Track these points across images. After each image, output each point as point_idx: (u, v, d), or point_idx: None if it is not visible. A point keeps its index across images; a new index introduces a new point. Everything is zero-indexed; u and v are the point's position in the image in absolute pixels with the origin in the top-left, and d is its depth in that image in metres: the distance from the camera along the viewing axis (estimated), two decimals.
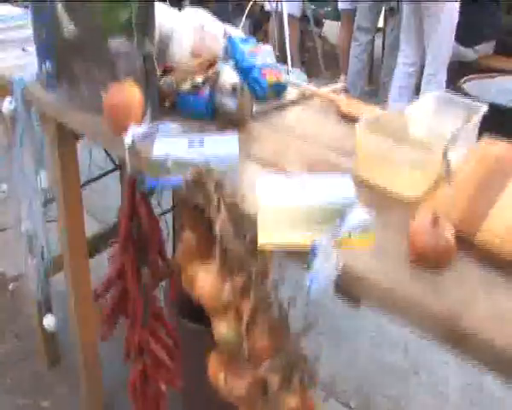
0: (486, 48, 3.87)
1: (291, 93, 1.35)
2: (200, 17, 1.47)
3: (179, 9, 1.57)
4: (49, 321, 1.74)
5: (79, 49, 1.22)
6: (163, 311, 1.30)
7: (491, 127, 2.39)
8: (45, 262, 1.62)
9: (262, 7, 4.92)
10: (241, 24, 3.56)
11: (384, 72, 4.29)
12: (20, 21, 1.88)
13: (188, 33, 1.44)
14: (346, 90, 1.58)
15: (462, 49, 3.74)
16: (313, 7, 4.70)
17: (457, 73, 3.63)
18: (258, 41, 1.43)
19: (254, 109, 1.23)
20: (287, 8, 4.57)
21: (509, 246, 0.79)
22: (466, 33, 3.59)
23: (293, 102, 1.32)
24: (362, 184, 0.95)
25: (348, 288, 0.79)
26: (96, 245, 1.90)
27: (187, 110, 1.21)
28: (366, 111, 1.26)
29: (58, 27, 1.22)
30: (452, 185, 0.94)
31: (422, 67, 3.60)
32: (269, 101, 1.30)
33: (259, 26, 5.07)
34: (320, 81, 3.88)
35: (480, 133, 1.05)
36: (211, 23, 1.46)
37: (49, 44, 1.31)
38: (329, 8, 4.84)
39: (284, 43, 4.86)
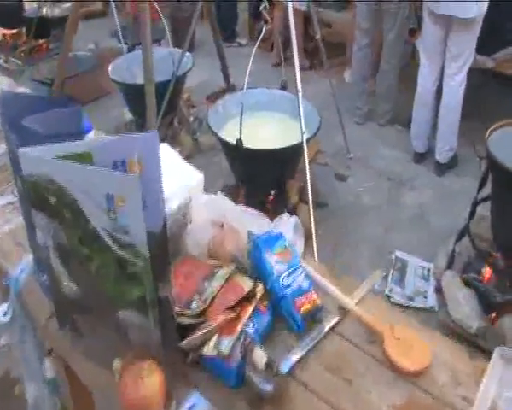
0: (505, 52, 3.56)
1: (330, 314, 1.14)
2: (221, 206, 1.24)
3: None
4: None
5: (82, 308, 1.01)
6: None
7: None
8: None
9: None
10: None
11: (379, 85, 3.97)
12: None
13: (205, 227, 1.22)
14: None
15: (479, 57, 3.44)
16: None
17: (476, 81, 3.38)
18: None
19: (290, 363, 1.03)
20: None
21: None
22: (484, 42, 3.29)
23: (332, 329, 1.12)
24: None
25: None
26: None
27: (212, 372, 1.02)
28: (413, 350, 1.07)
29: (55, 279, 1.01)
30: None
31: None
32: (305, 334, 1.10)
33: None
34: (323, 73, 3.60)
35: None
36: (232, 213, 1.23)
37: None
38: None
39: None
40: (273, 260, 1.14)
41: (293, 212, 2.90)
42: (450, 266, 2.63)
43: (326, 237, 2.94)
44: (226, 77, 4.13)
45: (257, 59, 4.61)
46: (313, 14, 3.28)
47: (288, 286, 1.10)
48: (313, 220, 2.59)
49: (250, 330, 1.04)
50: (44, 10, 4.51)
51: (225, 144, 2.67)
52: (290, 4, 2.72)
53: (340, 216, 3.13)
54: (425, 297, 2.60)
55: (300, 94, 2.35)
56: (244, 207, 1.27)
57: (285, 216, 1.29)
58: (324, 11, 4.64)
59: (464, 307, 2.42)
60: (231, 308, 1.05)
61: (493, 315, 2.39)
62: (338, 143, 3.63)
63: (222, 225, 1.20)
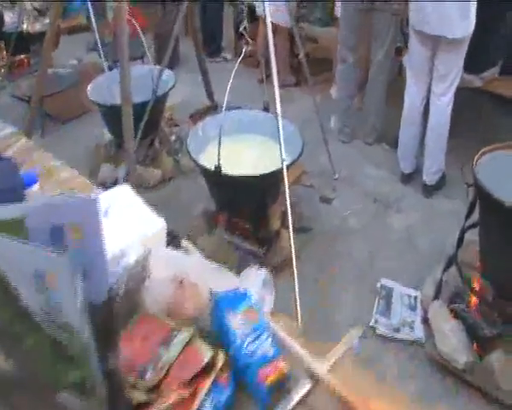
0: (493, 71, 3.49)
1: (300, 382, 1.04)
2: (183, 261, 1.14)
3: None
4: None
5: (19, 387, 0.90)
6: None
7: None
8: None
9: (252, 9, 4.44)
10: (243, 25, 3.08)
11: (367, 102, 3.88)
12: None
13: (164, 283, 1.12)
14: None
15: (467, 76, 3.37)
16: (303, 11, 4.25)
17: (462, 100, 3.32)
18: None
19: None
20: (275, 19, 4.11)
21: None
22: (471, 61, 3.22)
23: (302, 401, 1.02)
24: None
25: None
26: None
27: None
28: None
29: None
30: None
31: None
32: (272, 407, 1.00)
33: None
34: (307, 89, 3.50)
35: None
36: (195, 268, 1.13)
37: None
38: (318, 15, 4.38)
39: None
40: (237, 323, 1.04)
41: (275, 238, 2.81)
42: (437, 295, 2.55)
43: (309, 263, 2.85)
44: (210, 94, 4.04)
45: (243, 75, 4.54)
46: (295, 32, 3.18)
47: (253, 353, 1.00)
48: (295, 248, 2.48)
49: (208, 406, 0.94)
50: (25, 25, 4.40)
51: (204, 170, 2.58)
52: (268, 20, 2.57)
53: (325, 241, 3.04)
54: (411, 328, 2.51)
55: (280, 120, 2.25)
56: (208, 262, 1.17)
57: (253, 269, 1.19)
58: (310, 26, 4.57)
59: (451, 340, 2.33)
60: (188, 382, 0.95)
61: (481, 349, 2.30)
62: (323, 162, 3.54)
63: (182, 282, 1.10)
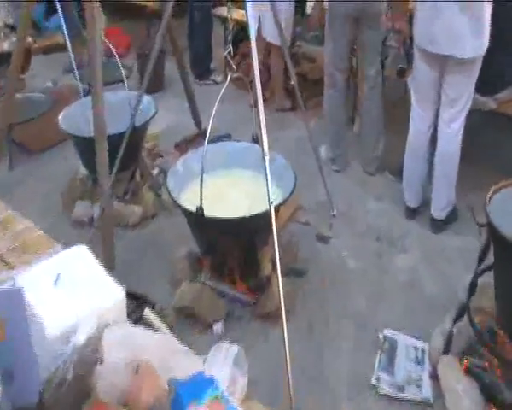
0: (508, 92, 3.45)
1: None
2: (141, 341, 1.08)
3: None
4: None
5: None
6: None
7: None
8: None
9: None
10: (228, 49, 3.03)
11: (364, 127, 3.87)
12: None
13: (120, 367, 1.05)
14: None
15: (480, 98, 3.32)
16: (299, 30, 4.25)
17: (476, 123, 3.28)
18: None
19: None
20: (270, 38, 4.13)
21: None
22: (485, 82, 3.18)
23: None
24: None
25: None
26: None
27: None
28: None
29: None
30: None
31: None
32: None
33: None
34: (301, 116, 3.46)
35: None
36: (154, 350, 1.06)
37: None
38: (316, 33, 4.38)
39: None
40: None
41: (267, 283, 2.74)
42: (447, 348, 2.46)
43: (304, 311, 2.78)
44: (197, 121, 4.00)
45: (234, 98, 4.53)
46: (286, 55, 3.13)
47: None
48: (288, 294, 2.41)
49: None
50: None
51: (184, 211, 2.52)
52: (253, 41, 2.47)
53: (322, 285, 2.97)
54: (418, 386, 2.43)
55: (267, 158, 2.19)
56: (172, 339, 1.10)
57: (224, 345, 1.12)
58: (307, 45, 4.56)
59: (464, 401, 2.25)
60: None
61: None
62: (320, 195, 3.46)
63: (139, 366, 1.03)
